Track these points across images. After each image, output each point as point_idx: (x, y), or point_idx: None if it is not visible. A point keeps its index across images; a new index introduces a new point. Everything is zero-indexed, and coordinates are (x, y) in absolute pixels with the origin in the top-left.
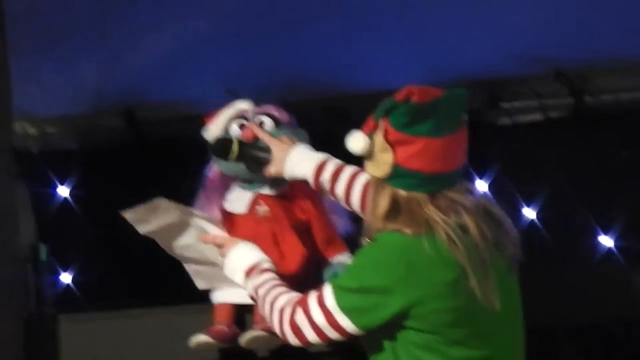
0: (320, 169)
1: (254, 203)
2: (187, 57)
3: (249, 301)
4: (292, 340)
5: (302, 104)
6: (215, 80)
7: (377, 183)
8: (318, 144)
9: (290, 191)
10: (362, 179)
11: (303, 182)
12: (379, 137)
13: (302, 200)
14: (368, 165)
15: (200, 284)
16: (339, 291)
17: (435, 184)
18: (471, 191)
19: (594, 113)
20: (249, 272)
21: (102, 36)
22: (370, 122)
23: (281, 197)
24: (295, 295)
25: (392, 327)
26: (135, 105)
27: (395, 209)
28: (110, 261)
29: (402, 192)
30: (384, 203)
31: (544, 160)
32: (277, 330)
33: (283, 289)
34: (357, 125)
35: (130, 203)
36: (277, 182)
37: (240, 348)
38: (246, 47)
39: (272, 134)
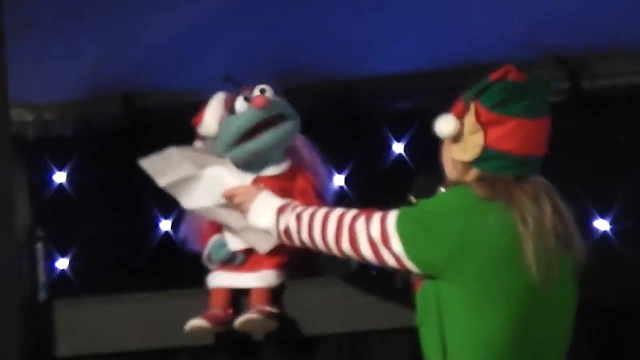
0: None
1: (254, 184)
2: (187, 44)
3: (245, 285)
4: (347, 248)
5: (306, 89)
6: (215, 68)
7: (463, 166)
8: (324, 129)
9: (290, 174)
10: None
11: (304, 166)
12: (469, 119)
13: (302, 183)
14: (455, 149)
15: (234, 245)
16: (403, 215)
17: (523, 167)
18: (548, 185)
19: (592, 98)
20: (283, 209)
21: (101, 23)
22: (459, 104)
23: (281, 179)
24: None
25: (442, 289)
26: (134, 92)
27: (479, 182)
28: (106, 247)
29: (489, 175)
30: (468, 181)
31: None
32: (331, 240)
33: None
34: (362, 109)
35: (127, 190)
36: (277, 164)
37: (235, 331)
38: (248, 34)
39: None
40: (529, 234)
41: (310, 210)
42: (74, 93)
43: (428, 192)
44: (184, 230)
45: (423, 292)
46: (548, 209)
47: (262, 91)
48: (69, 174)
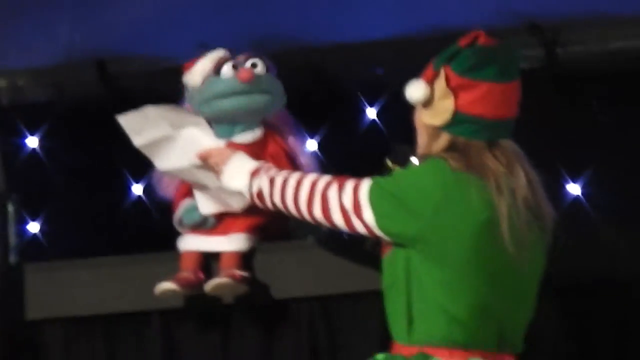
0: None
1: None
2: (162, 11)
3: (215, 248)
4: (319, 215)
5: (279, 55)
6: (189, 35)
7: (434, 131)
8: (297, 94)
9: (263, 139)
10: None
11: (276, 130)
12: (439, 84)
13: (274, 149)
14: (425, 113)
15: (205, 209)
16: (375, 186)
17: (494, 130)
18: (518, 151)
19: (566, 65)
20: (256, 172)
21: None
22: (429, 70)
23: (253, 145)
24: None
25: (411, 258)
26: (108, 58)
27: (450, 150)
28: (77, 211)
29: (461, 139)
30: (439, 147)
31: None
32: (302, 206)
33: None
34: (335, 75)
35: (98, 155)
36: (250, 131)
37: (205, 295)
38: (222, 1)
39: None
40: (505, 205)
41: (283, 174)
42: (48, 59)
43: (406, 158)
44: (154, 179)
45: (391, 257)
46: (522, 179)
47: (254, 65)
48: (42, 139)
